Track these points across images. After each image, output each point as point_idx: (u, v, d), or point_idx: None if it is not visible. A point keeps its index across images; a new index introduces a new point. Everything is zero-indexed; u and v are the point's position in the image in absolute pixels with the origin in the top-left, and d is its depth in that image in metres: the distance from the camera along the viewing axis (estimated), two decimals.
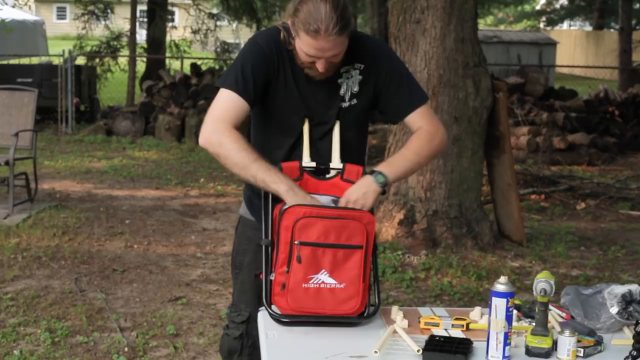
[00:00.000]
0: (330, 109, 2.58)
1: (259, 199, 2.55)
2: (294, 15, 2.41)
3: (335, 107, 2.59)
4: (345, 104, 2.59)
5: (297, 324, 2.35)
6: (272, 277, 2.37)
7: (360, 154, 2.66)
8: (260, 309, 2.45)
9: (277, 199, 2.41)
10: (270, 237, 2.41)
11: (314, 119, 2.57)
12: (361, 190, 2.44)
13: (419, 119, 2.60)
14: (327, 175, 2.52)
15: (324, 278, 2.35)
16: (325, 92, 2.57)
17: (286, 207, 2.34)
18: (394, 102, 2.61)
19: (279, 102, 2.56)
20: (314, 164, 2.50)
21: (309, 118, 2.55)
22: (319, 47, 2.40)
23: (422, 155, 2.59)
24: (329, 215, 2.34)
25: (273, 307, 2.38)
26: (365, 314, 2.40)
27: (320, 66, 2.45)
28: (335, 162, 2.52)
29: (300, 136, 2.56)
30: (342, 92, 2.58)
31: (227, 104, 2.48)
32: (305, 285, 2.34)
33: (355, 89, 2.59)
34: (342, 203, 2.42)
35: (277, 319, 2.36)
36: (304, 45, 2.42)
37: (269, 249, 2.41)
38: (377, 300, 2.44)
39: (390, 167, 2.53)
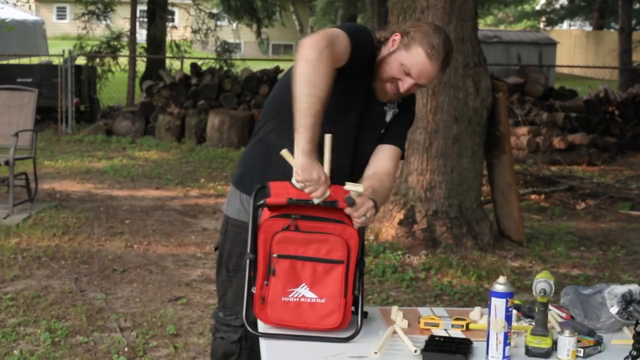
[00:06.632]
0: (373, 132, 2.66)
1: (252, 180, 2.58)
2: (415, 26, 2.49)
3: (378, 130, 2.66)
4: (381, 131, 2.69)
5: (281, 338, 2.30)
6: (253, 291, 2.36)
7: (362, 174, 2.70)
8: None
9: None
10: (255, 252, 2.37)
11: (361, 129, 2.62)
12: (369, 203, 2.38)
13: (391, 157, 2.68)
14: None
15: (304, 292, 2.31)
16: (378, 113, 2.66)
17: (264, 220, 2.32)
18: (388, 131, 2.69)
19: (341, 95, 2.50)
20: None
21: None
22: (423, 68, 2.48)
23: (386, 199, 2.69)
24: (308, 229, 2.30)
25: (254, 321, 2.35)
26: (353, 334, 2.31)
27: (404, 86, 2.52)
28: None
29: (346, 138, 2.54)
30: (388, 119, 2.67)
31: (341, 37, 2.42)
32: (285, 298, 2.31)
33: (389, 119, 2.70)
34: (359, 202, 2.31)
35: (259, 334, 2.33)
36: (410, 61, 2.48)
37: (253, 263, 2.37)
38: (359, 323, 2.32)
39: (377, 200, 2.46)
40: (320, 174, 2.29)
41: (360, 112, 2.61)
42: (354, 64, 2.47)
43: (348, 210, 2.31)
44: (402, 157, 2.76)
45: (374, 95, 2.62)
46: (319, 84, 2.30)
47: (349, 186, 2.32)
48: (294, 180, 2.33)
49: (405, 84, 2.51)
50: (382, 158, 2.66)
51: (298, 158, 2.29)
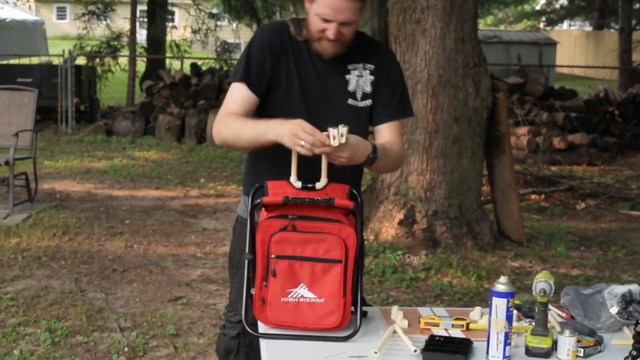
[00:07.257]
0: (335, 106, 2.60)
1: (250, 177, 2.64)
2: None
3: (341, 103, 2.61)
4: (360, 104, 2.63)
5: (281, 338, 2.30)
6: (252, 292, 2.36)
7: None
8: None
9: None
10: (253, 253, 2.37)
11: (312, 118, 2.54)
12: (361, 144, 2.39)
13: (392, 132, 2.66)
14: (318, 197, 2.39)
15: (302, 292, 2.31)
16: (331, 86, 2.61)
17: (261, 220, 2.33)
18: (379, 106, 2.66)
19: (280, 96, 2.58)
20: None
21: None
22: (333, 6, 2.45)
23: (397, 162, 2.70)
24: (305, 229, 2.31)
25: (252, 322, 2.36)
26: (352, 333, 2.30)
27: (331, 32, 2.49)
28: (323, 181, 2.40)
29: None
30: (351, 88, 2.62)
31: (231, 96, 2.58)
32: (284, 299, 2.31)
33: (368, 89, 2.64)
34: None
35: (258, 334, 2.33)
36: (320, 7, 2.48)
37: (252, 264, 2.37)
38: (358, 321, 2.31)
39: (381, 149, 2.49)
40: (304, 126, 2.32)
41: (305, 99, 2.59)
42: (264, 73, 2.56)
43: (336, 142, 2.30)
44: (409, 115, 2.73)
45: (320, 66, 2.59)
46: (234, 126, 2.49)
47: (331, 129, 2.31)
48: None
49: (331, 30, 2.50)
50: (383, 137, 2.65)
51: (284, 134, 2.34)
